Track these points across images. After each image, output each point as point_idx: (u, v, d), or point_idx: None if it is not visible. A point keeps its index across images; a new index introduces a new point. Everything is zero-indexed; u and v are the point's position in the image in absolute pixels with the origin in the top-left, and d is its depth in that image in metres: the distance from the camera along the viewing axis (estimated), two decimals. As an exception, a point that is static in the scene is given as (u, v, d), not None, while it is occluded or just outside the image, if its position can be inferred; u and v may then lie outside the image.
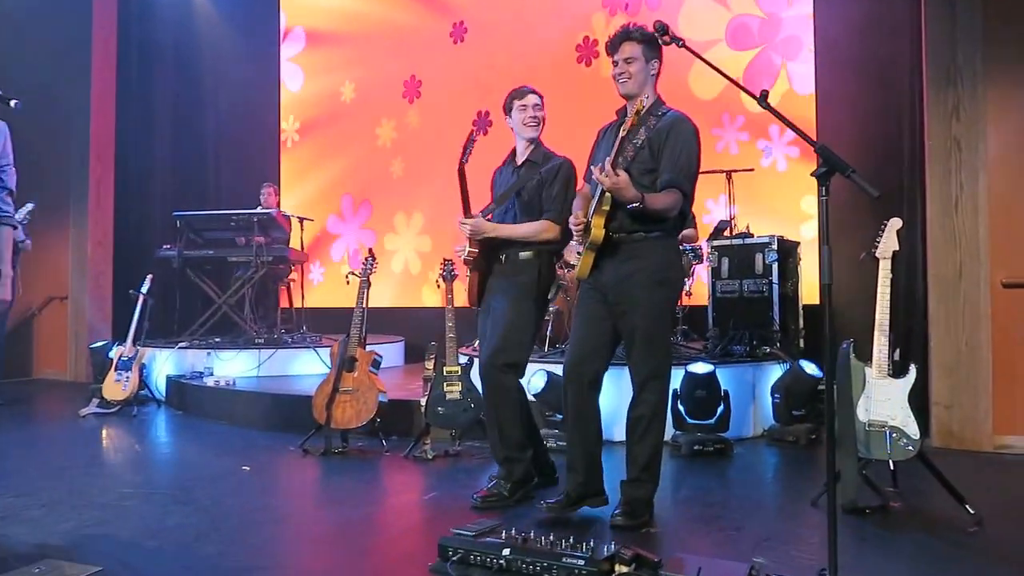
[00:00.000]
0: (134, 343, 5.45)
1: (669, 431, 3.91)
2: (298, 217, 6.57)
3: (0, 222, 3.04)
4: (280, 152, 8.42)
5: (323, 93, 8.19)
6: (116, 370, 5.34)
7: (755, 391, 4.25)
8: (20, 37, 7.06)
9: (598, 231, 2.52)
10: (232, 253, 6.30)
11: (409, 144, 7.58)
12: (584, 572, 2.01)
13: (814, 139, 1.93)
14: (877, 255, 2.90)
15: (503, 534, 2.23)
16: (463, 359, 3.92)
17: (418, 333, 6.78)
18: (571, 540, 2.13)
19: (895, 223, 2.92)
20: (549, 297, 3.20)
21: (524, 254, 2.98)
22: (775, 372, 4.29)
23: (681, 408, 3.89)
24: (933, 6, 3.98)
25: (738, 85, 2.09)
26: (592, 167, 2.64)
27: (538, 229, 2.96)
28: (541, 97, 3.06)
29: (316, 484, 3.49)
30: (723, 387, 3.93)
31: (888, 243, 2.90)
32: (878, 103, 4.80)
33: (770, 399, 4.15)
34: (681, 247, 4.57)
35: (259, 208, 6.62)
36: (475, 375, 3.88)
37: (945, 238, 3.88)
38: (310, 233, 6.97)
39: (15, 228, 3.13)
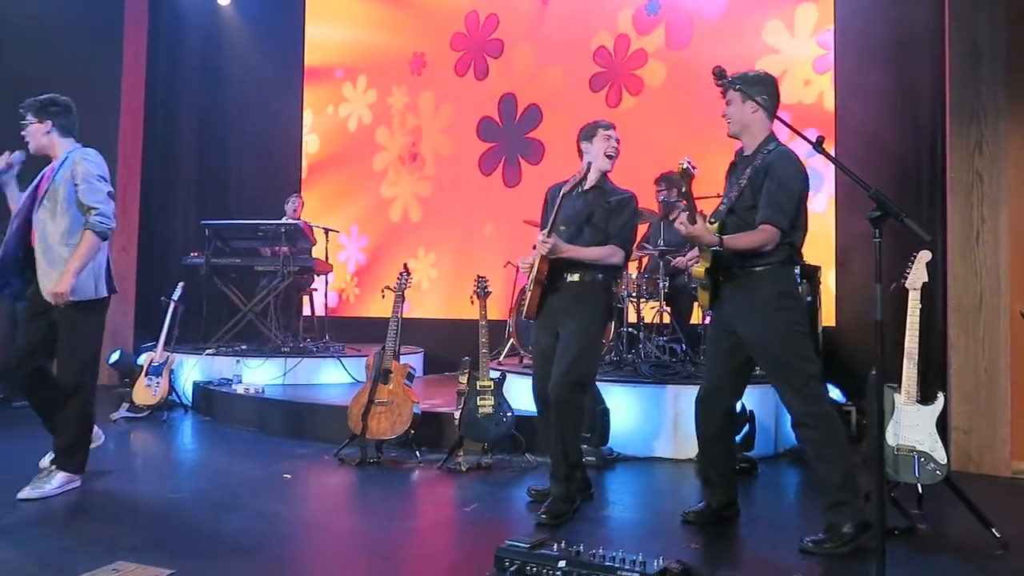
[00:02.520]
0: (164, 349, 5.57)
1: (695, 447, 4.05)
2: (323, 228, 6.70)
3: (92, 229, 3.21)
4: (302, 163, 8.56)
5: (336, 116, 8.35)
6: (147, 375, 5.46)
7: (777, 412, 4.36)
8: (52, 47, 7.20)
9: (698, 269, 2.75)
10: (259, 262, 6.43)
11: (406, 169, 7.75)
12: (637, 584, 2.12)
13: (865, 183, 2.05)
14: (907, 286, 3.03)
15: (555, 547, 2.34)
16: (495, 374, 4.05)
17: (437, 345, 6.97)
18: (620, 554, 2.24)
19: (924, 256, 3.05)
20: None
21: (590, 276, 3.12)
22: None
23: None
24: (957, 44, 4.12)
25: (793, 130, 2.22)
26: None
27: (607, 253, 3.09)
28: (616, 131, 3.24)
29: (358, 494, 3.59)
30: (748, 408, 4.05)
31: (918, 275, 3.03)
32: (898, 137, 4.95)
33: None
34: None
35: (285, 218, 6.75)
36: (507, 390, 4.03)
37: (966, 269, 4.01)
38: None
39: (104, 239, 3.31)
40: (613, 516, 3.18)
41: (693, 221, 2.62)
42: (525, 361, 5.25)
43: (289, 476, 3.71)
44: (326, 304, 6.83)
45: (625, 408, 4.21)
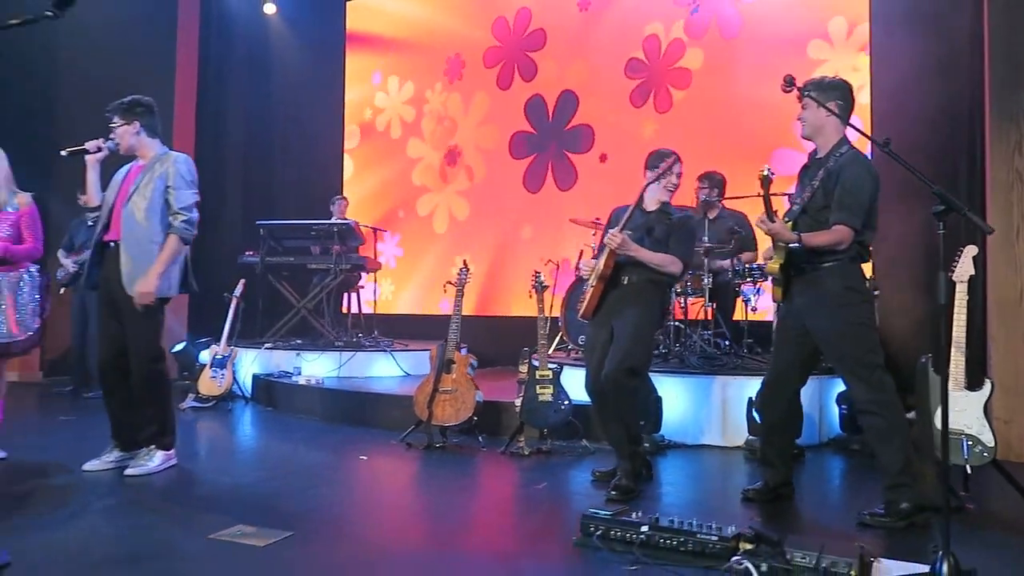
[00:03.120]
0: (228, 343, 5.85)
1: (743, 435, 4.26)
2: (372, 227, 6.98)
3: (177, 234, 3.46)
4: (343, 164, 8.85)
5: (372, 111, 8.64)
6: (211, 368, 5.75)
7: (821, 401, 4.54)
8: (110, 53, 7.53)
9: (772, 265, 2.95)
10: (311, 260, 6.70)
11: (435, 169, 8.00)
12: (716, 546, 2.33)
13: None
14: (954, 279, 3.21)
15: (633, 515, 2.56)
16: (552, 365, 4.28)
17: (476, 341, 7.21)
18: (694, 521, 2.46)
19: (971, 250, 3.23)
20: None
21: (647, 278, 3.34)
22: (839, 384, 4.59)
23: (756, 415, 4.20)
24: (997, 47, 4.29)
25: (859, 131, 2.42)
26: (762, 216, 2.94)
27: (668, 260, 3.31)
28: (680, 160, 3.44)
29: (431, 473, 3.81)
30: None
31: (964, 268, 3.21)
32: (937, 138, 5.11)
33: (836, 409, 4.45)
34: (748, 266, 4.93)
35: (332, 219, 7.02)
36: (565, 379, 4.25)
37: (1006, 264, 4.17)
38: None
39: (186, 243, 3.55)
40: (673, 496, 3.38)
41: (772, 220, 2.83)
42: (573, 355, 5.48)
43: (365, 457, 3.97)
44: (375, 300, 7.08)
45: (675, 397, 4.41)
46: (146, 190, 3.48)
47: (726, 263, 4.99)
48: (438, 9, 8.35)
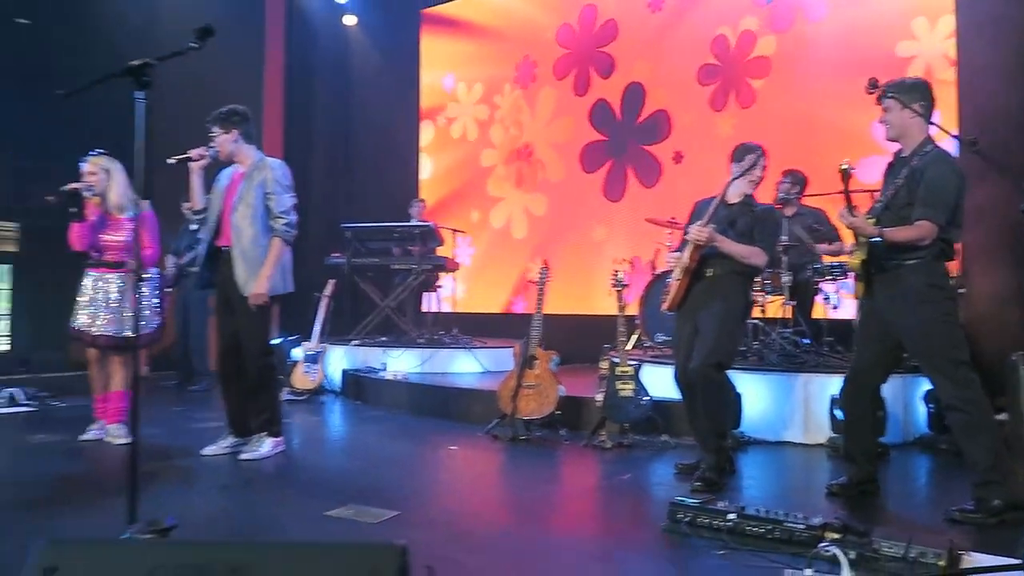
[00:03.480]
0: (319, 340, 6.19)
1: (825, 433, 4.27)
2: (451, 229, 7.22)
3: (280, 237, 3.73)
4: (419, 168, 9.15)
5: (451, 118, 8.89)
6: (304, 363, 6.09)
7: (906, 399, 4.50)
8: (201, 67, 8.01)
9: (853, 260, 2.99)
10: (394, 261, 6.99)
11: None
12: (803, 534, 2.41)
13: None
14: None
15: (719, 504, 2.66)
16: (633, 362, 4.39)
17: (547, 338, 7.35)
18: (780, 511, 2.54)
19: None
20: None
21: (731, 271, 3.40)
22: (925, 382, 4.53)
23: (839, 413, 4.21)
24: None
25: (948, 133, 2.45)
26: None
27: (752, 252, 3.37)
28: (765, 153, 3.49)
29: (519, 463, 3.98)
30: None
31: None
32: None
33: (923, 408, 4.40)
34: (832, 263, 4.91)
35: (412, 221, 7.29)
36: (644, 376, 4.35)
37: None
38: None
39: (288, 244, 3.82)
40: (755, 490, 3.45)
41: (852, 214, 2.88)
42: (651, 353, 5.56)
43: (455, 448, 4.18)
44: (454, 299, 7.31)
45: (755, 394, 4.45)
46: (248, 198, 3.74)
47: (829, 246, 5.02)
48: (509, 14, 8.54)
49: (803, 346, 4.94)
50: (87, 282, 4.16)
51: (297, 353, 6.26)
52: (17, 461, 3.73)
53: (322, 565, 1.21)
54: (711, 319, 3.36)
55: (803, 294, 5.21)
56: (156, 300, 4.22)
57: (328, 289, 6.38)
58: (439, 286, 7.40)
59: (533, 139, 8.23)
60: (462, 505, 3.07)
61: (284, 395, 5.95)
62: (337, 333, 7.14)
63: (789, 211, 5.27)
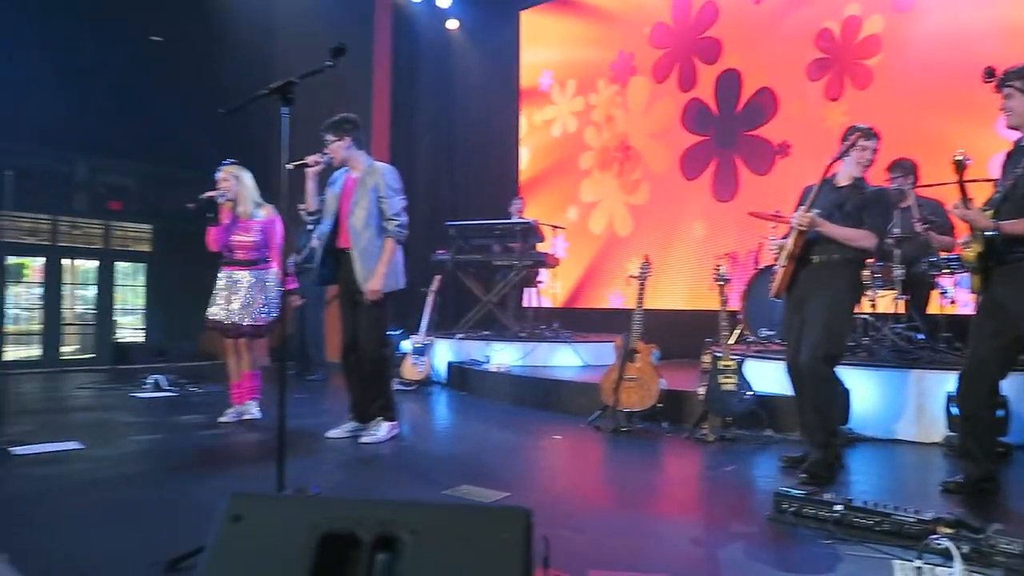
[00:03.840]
0: (426, 333, 6.49)
1: (941, 431, 4.13)
2: (551, 226, 7.37)
3: (393, 237, 3.99)
4: (519, 167, 9.35)
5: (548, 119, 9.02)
6: (412, 355, 6.40)
7: (1032, 399, 4.28)
8: (311, 61, 8.53)
9: (969, 253, 2.94)
10: (496, 257, 7.21)
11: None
12: (914, 528, 2.40)
13: None
14: None
15: (826, 496, 2.67)
16: (735, 356, 4.39)
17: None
18: (889, 503, 2.53)
19: None
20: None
21: (839, 256, 3.33)
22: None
23: (955, 410, 4.06)
24: None
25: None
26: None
27: (860, 235, 3.29)
28: (878, 136, 3.42)
29: (622, 453, 4.06)
30: (1002, 392, 4.04)
31: None
32: None
33: (1052, 407, 4.18)
34: (949, 257, 4.72)
35: (512, 219, 7.49)
36: (748, 371, 4.35)
37: None
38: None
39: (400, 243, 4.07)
40: (864, 484, 3.40)
41: (967, 206, 2.81)
42: (754, 348, 5.51)
43: (559, 437, 4.33)
44: (554, 294, 7.46)
45: (865, 391, 4.36)
46: (363, 202, 4.01)
47: (937, 239, 4.83)
48: (605, 10, 8.59)
49: (917, 342, 4.78)
50: (221, 278, 4.58)
51: (406, 346, 6.59)
52: (170, 438, 4.17)
53: (458, 523, 1.38)
54: (818, 309, 3.31)
55: (918, 288, 5.03)
56: (277, 294, 4.59)
57: (434, 285, 6.68)
58: (539, 282, 7.57)
59: (630, 135, 8.26)
60: (567, 489, 3.21)
61: (394, 385, 6.29)
62: (442, 327, 7.45)
63: (904, 203, 5.09)
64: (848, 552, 2.36)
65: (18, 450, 3.62)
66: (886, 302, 5.07)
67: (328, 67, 2.41)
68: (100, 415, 4.98)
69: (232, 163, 4.62)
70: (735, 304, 5.75)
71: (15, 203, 12.68)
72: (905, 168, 5.12)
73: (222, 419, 4.57)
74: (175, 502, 2.86)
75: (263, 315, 4.57)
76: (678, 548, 2.45)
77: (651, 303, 7.60)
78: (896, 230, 4.90)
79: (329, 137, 4.04)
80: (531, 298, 7.59)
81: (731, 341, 5.89)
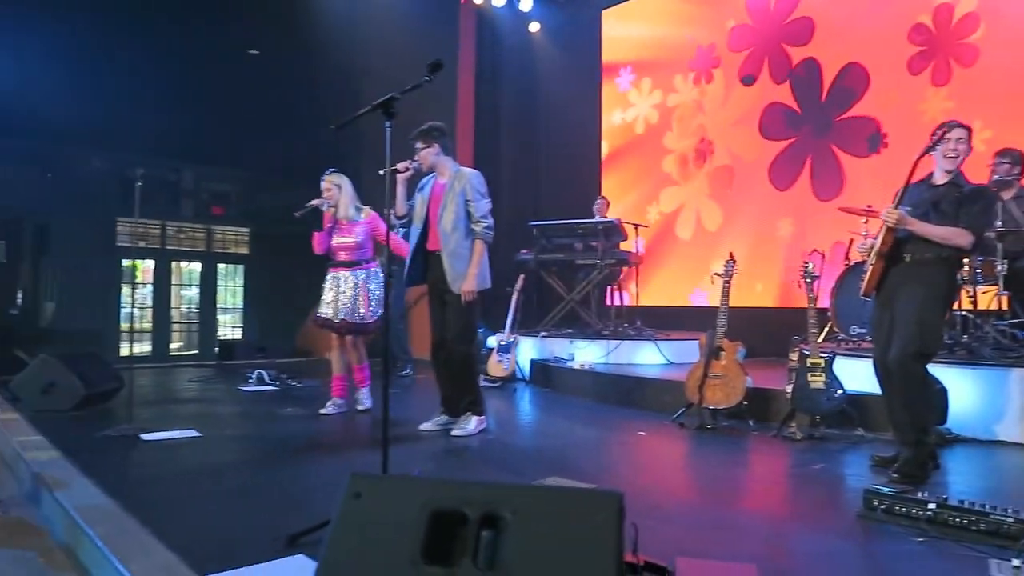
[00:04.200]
0: (511, 331, 6.65)
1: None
2: (634, 224, 7.39)
3: (481, 239, 4.14)
4: (601, 166, 9.40)
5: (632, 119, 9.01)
6: (498, 352, 6.58)
7: None
8: (401, 81, 8.84)
9: None
10: (579, 256, 7.30)
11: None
12: (1012, 528, 2.36)
13: None
14: None
15: (919, 494, 2.65)
16: (824, 354, 4.33)
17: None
18: (986, 503, 2.49)
19: None
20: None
21: (932, 254, 3.25)
22: None
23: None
24: None
25: None
26: None
27: (954, 233, 3.20)
28: (968, 131, 3.32)
29: (706, 450, 4.10)
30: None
31: None
32: None
33: None
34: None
35: (596, 218, 7.55)
36: (838, 368, 4.28)
37: None
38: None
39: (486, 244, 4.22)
40: (961, 485, 3.32)
41: None
42: (844, 346, 5.39)
43: (644, 433, 4.39)
44: (637, 292, 7.48)
45: (964, 390, 4.22)
46: (452, 206, 4.17)
47: None
48: (685, 10, 8.52)
49: (1021, 340, 4.58)
50: (327, 279, 4.88)
51: (491, 343, 6.77)
52: (278, 427, 4.48)
53: (556, 504, 1.50)
54: (909, 306, 3.25)
55: (1021, 284, 4.81)
56: (380, 292, 4.84)
57: (518, 284, 6.83)
58: (622, 280, 7.61)
59: (711, 131, 8.18)
60: (653, 482, 3.28)
61: (481, 382, 6.48)
62: (526, 325, 7.59)
63: (1007, 193, 4.89)
64: (941, 551, 2.34)
65: (146, 436, 3.98)
66: (988, 298, 4.88)
67: (426, 82, 2.57)
68: (211, 406, 5.37)
69: (333, 171, 4.90)
70: (824, 301, 5.65)
71: (130, 209, 13.77)
72: (1014, 157, 4.92)
73: (323, 411, 4.86)
74: (288, 485, 3.11)
75: (369, 313, 4.83)
76: (765, 541, 2.49)
77: (737, 301, 7.55)
78: (998, 223, 4.71)
79: (419, 144, 4.22)
80: (614, 296, 7.64)
81: (820, 339, 5.81)
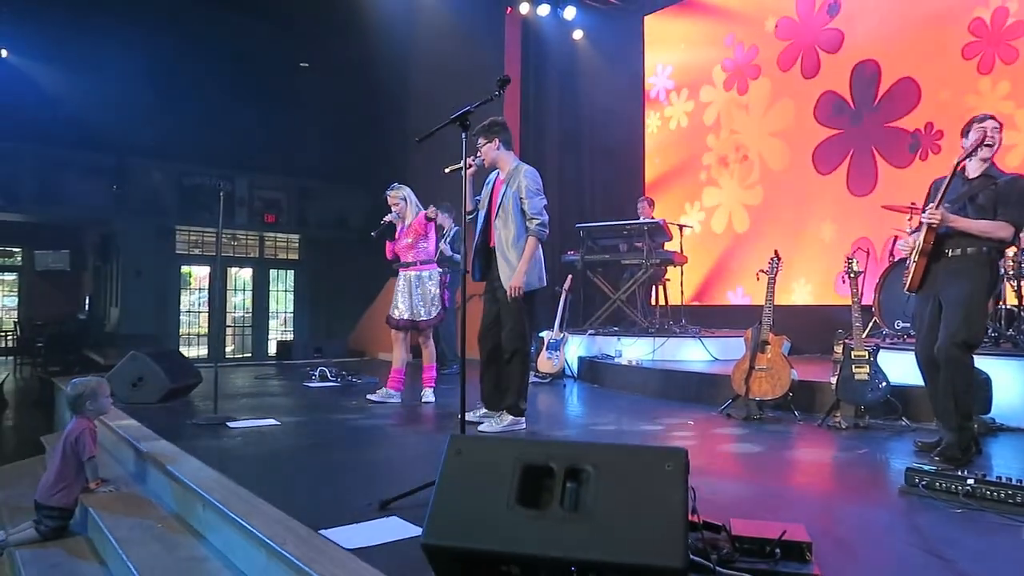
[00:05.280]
0: (559, 329, 6.90)
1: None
2: (678, 224, 7.58)
3: (535, 236, 4.31)
4: (645, 167, 9.60)
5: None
6: (547, 350, 6.83)
7: None
8: (450, 86, 9.15)
9: None
10: (624, 256, 7.51)
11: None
12: (1047, 500, 2.53)
13: None
14: None
15: (959, 472, 2.82)
16: (868, 346, 4.48)
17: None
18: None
19: None
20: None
21: (974, 249, 3.36)
22: None
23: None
24: None
25: None
26: None
27: (995, 227, 3.31)
28: (1000, 124, 3.43)
29: (754, 438, 4.24)
30: None
31: None
32: None
33: None
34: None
35: (641, 219, 7.76)
36: (882, 361, 4.43)
37: None
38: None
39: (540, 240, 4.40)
40: (1003, 469, 3.43)
41: None
42: (889, 340, 5.51)
43: (692, 422, 4.60)
44: (682, 291, 7.65)
45: (1009, 380, 4.32)
46: (507, 203, 4.27)
47: None
48: (727, 11, 8.69)
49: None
50: (398, 281, 5.27)
51: (543, 339, 7.01)
52: (349, 415, 4.80)
53: (630, 458, 1.75)
54: (955, 298, 3.35)
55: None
56: (437, 291, 5.12)
57: (566, 284, 7.08)
58: (667, 279, 7.79)
59: (751, 132, 8.33)
60: (704, 463, 3.46)
61: (532, 378, 6.74)
62: (573, 324, 7.83)
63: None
64: (978, 520, 2.52)
65: (232, 424, 4.34)
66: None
67: (496, 97, 2.84)
68: (282, 399, 5.73)
69: (397, 186, 5.26)
70: (868, 298, 5.78)
71: (187, 218, 14.42)
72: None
73: (370, 396, 5.31)
74: (370, 461, 3.43)
75: (431, 311, 5.16)
76: (812, 509, 2.69)
77: (784, 299, 7.71)
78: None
79: (480, 140, 4.30)
80: (659, 295, 7.82)
81: (864, 334, 5.93)
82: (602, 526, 1.63)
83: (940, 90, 6.73)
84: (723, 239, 8.60)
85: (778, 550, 2.00)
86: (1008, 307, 4.86)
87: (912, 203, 5.47)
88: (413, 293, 5.19)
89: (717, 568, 1.89)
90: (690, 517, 2.14)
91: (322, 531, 2.28)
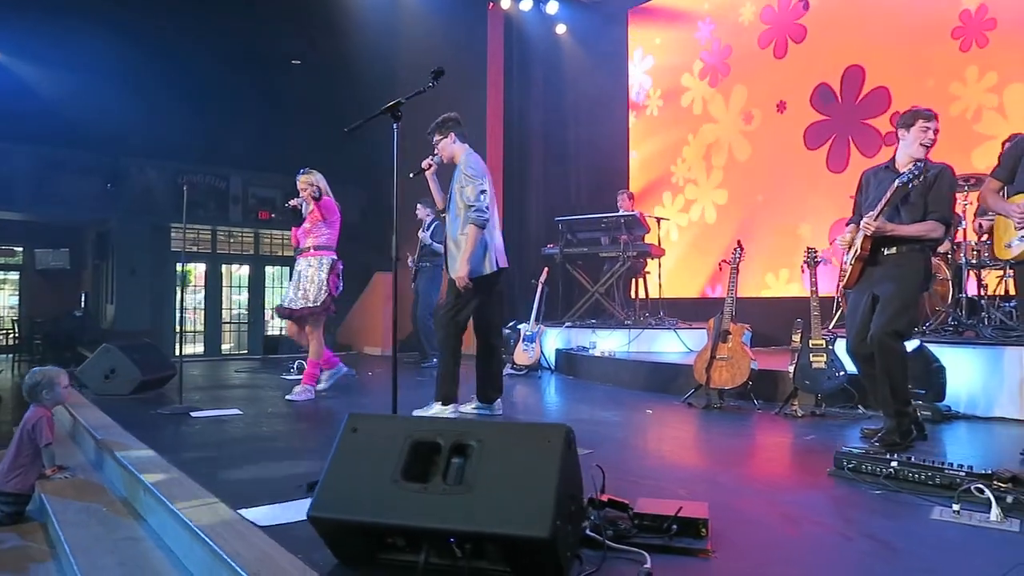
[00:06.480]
0: (536, 322, 6.95)
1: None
2: (656, 218, 7.61)
3: (472, 223, 4.09)
4: (628, 161, 9.63)
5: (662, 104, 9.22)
6: (523, 342, 6.88)
7: None
8: (429, 72, 9.21)
9: None
10: (603, 249, 7.55)
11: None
12: (964, 481, 2.56)
13: None
14: None
15: (886, 455, 2.86)
16: (826, 335, 4.51)
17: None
18: (945, 461, 2.69)
19: None
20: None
21: (907, 248, 3.42)
22: None
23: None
24: None
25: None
26: None
27: (928, 229, 3.37)
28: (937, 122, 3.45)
29: (709, 425, 4.30)
30: None
31: None
32: None
33: None
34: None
35: (620, 211, 7.79)
36: (840, 350, 4.46)
37: None
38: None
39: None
40: (952, 456, 3.48)
41: None
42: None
43: (650, 411, 4.65)
44: (660, 284, 7.69)
45: (964, 368, 4.36)
46: (455, 195, 4.18)
47: None
48: (704, 7, 8.71)
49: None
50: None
51: (518, 333, 7.07)
52: (313, 406, 4.85)
53: (513, 435, 1.80)
54: (891, 292, 3.40)
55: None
56: (322, 276, 4.98)
57: (543, 276, 7.12)
58: (646, 272, 7.83)
59: (726, 126, 8.35)
60: (649, 450, 3.54)
61: (507, 370, 6.80)
62: (552, 316, 7.88)
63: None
64: (894, 500, 2.56)
65: (195, 414, 4.41)
66: (994, 280, 5.00)
67: (429, 88, 2.88)
68: (254, 391, 5.81)
69: (307, 171, 5.10)
70: (831, 288, 5.80)
71: (183, 215, 14.56)
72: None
73: (288, 397, 5.05)
74: (320, 449, 3.46)
75: (309, 296, 4.96)
76: (738, 491, 2.74)
77: (749, 291, 7.73)
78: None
79: (436, 137, 4.26)
80: (637, 288, 7.86)
81: (832, 325, 5.96)
82: (481, 498, 1.68)
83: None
84: (702, 232, 8.62)
85: (675, 526, 2.04)
86: (969, 296, 4.88)
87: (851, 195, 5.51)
88: (300, 279, 5.05)
89: (607, 543, 1.94)
90: (598, 496, 2.20)
91: (243, 510, 2.34)
